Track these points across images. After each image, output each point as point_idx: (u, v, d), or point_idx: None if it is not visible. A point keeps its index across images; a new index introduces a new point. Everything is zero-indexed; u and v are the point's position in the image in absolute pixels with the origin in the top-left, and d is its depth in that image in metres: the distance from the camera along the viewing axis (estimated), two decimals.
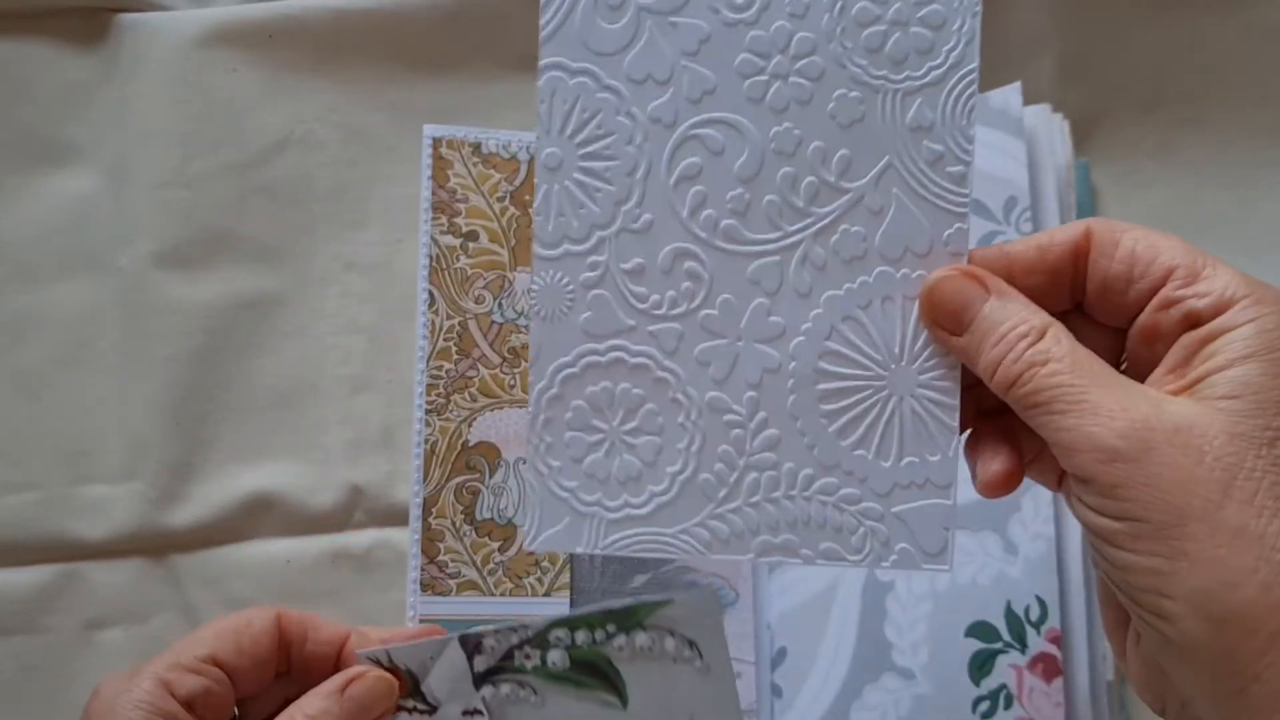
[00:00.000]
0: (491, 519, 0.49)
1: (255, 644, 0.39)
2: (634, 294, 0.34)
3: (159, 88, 0.52)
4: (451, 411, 0.50)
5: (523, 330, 0.51)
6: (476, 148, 0.52)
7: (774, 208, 0.34)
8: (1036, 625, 0.47)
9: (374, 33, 0.53)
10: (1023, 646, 0.47)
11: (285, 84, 0.53)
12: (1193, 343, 0.30)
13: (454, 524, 0.49)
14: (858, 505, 0.34)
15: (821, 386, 0.34)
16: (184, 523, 0.50)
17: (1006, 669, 0.47)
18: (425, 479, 0.49)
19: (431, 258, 0.51)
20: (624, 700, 0.37)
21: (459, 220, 0.51)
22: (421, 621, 0.48)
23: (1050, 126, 0.51)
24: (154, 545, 0.50)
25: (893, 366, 0.34)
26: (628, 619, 0.37)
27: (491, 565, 0.49)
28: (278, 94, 0.53)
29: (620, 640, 0.37)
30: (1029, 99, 0.51)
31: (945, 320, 0.33)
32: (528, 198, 0.52)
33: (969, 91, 0.34)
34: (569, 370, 0.34)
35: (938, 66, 0.34)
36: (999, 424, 0.34)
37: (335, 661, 0.39)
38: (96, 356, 0.51)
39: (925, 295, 0.33)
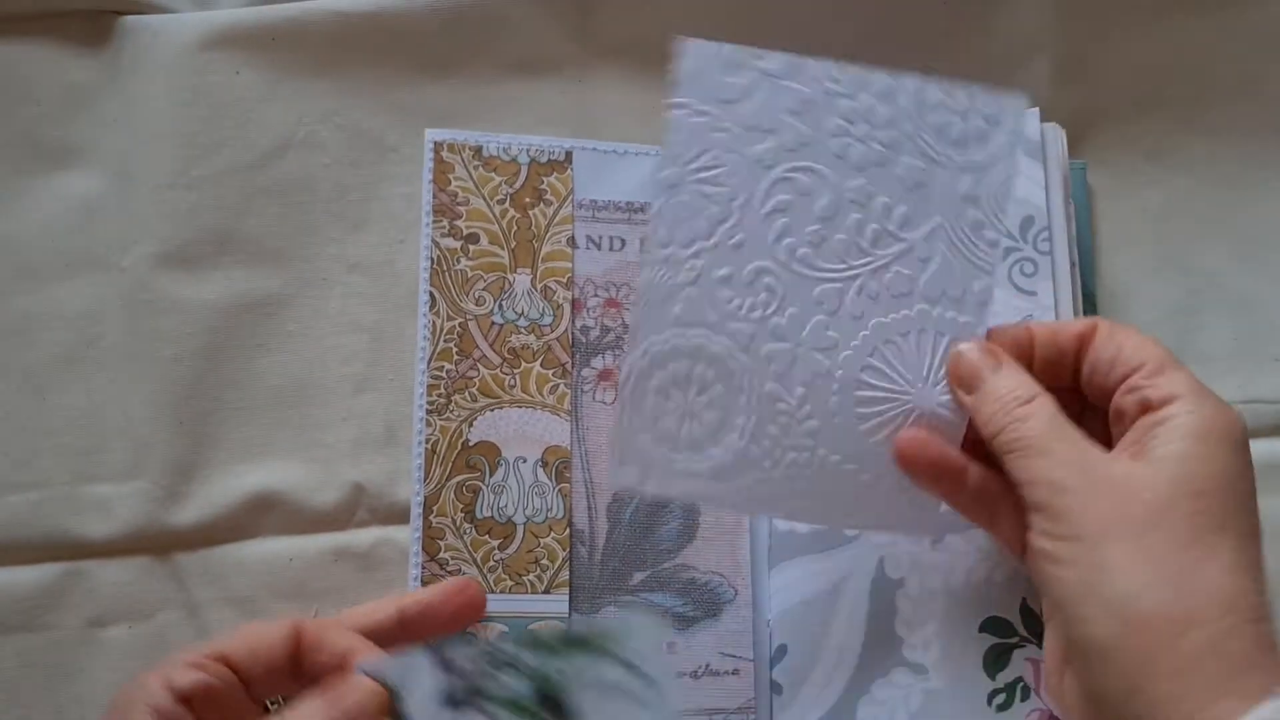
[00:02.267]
0: (491, 517, 0.49)
1: (269, 647, 0.39)
2: (720, 297, 0.41)
3: (162, 89, 0.53)
4: (452, 411, 0.50)
5: (522, 331, 0.51)
6: (478, 151, 0.52)
7: (843, 245, 0.41)
8: None
9: (376, 35, 0.54)
10: (1039, 640, 0.46)
11: (288, 86, 0.54)
12: (1146, 425, 0.38)
13: (455, 522, 0.49)
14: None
15: (859, 393, 0.42)
16: (187, 521, 0.50)
17: (1023, 662, 0.46)
18: (426, 478, 0.49)
19: (433, 260, 0.51)
20: None
21: (460, 223, 0.51)
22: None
23: (1056, 140, 0.51)
24: (157, 544, 0.50)
25: (919, 386, 0.42)
26: (586, 646, 0.37)
27: (492, 563, 0.48)
28: (280, 96, 0.53)
29: (580, 664, 0.37)
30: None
31: (962, 382, 0.41)
32: (528, 200, 0.52)
33: (1009, 174, 0.42)
34: (659, 347, 0.41)
35: (988, 152, 0.42)
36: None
37: (344, 671, 0.39)
38: (100, 356, 0.51)
39: (952, 361, 0.42)
